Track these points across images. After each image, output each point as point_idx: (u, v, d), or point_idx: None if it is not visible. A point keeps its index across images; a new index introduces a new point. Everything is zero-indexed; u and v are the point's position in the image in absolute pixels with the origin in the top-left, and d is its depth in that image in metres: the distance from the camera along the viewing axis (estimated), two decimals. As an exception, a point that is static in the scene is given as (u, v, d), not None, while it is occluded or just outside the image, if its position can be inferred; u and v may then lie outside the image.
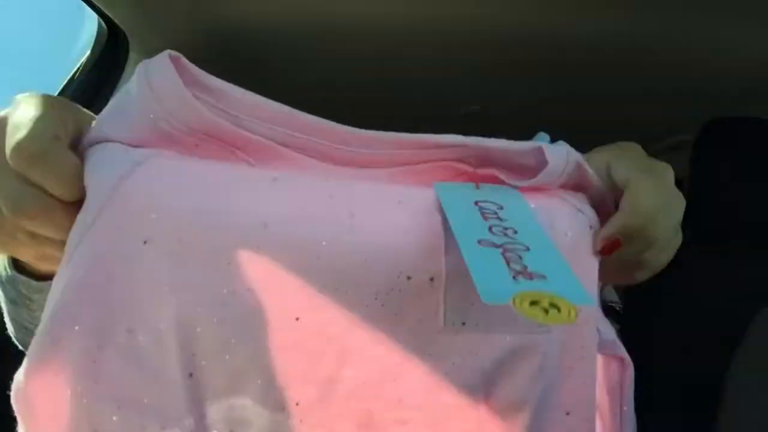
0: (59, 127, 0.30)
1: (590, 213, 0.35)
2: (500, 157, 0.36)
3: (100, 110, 0.32)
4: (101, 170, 0.30)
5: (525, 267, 0.28)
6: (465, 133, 0.36)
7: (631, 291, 1.02)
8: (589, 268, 0.34)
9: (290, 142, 0.35)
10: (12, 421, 0.30)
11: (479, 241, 0.30)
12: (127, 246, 0.30)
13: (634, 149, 0.40)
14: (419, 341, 0.32)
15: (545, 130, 0.59)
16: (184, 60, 0.33)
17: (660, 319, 0.91)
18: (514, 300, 0.25)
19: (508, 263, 0.28)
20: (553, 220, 0.34)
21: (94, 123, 0.33)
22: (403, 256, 0.32)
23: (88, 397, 0.29)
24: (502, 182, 0.36)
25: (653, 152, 1.59)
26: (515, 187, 0.35)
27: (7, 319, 0.42)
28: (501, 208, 0.33)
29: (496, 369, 0.32)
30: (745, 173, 0.87)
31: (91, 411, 0.29)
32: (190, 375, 0.30)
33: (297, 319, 0.31)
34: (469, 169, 0.37)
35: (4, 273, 0.39)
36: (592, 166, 0.36)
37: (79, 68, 0.94)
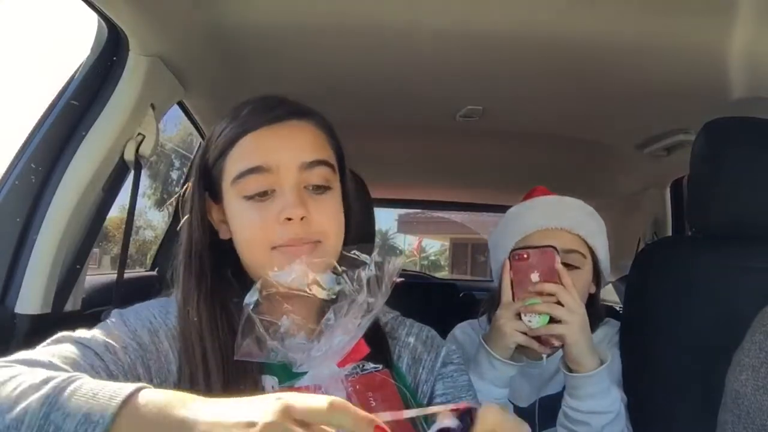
0: None
1: None
2: None
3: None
4: None
5: None
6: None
7: (631, 291, 1.02)
8: None
9: None
10: None
11: None
12: None
13: None
14: None
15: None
16: None
17: (660, 317, 0.91)
18: None
19: None
20: None
21: None
22: None
23: None
24: None
25: (652, 152, 1.58)
26: None
27: None
28: None
29: None
30: (744, 173, 0.87)
31: None
32: None
33: None
34: None
35: None
36: None
37: (79, 68, 0.94)
